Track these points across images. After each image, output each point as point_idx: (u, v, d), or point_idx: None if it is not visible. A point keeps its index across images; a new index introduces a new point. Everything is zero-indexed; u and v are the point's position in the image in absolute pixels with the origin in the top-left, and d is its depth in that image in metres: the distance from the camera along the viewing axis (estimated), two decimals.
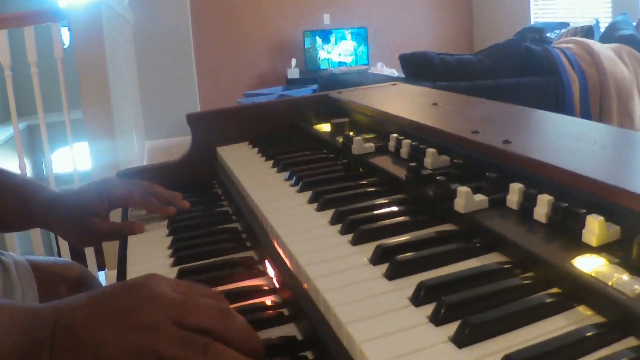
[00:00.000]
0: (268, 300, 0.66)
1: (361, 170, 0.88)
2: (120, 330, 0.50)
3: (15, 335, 0.49)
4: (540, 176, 0.60)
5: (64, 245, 2.65)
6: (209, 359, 0.49)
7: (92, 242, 0.96)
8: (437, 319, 0.45)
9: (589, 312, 0.45)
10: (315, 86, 5.51)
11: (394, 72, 5.52)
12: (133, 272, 0.77)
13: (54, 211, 0.91)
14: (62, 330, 0.50)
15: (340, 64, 6.32)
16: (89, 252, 2.61)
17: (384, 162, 0.84)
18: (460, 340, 0.42)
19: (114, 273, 0.80)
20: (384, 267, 0.55)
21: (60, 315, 0.51)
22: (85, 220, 0.90)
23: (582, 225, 0.51)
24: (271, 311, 0.64)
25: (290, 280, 0.61)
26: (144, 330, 0.50)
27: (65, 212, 0.91)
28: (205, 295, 0.56)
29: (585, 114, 3.44)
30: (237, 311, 0.62)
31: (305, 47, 6.31)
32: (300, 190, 0.83)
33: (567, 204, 0.54)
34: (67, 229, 0.92)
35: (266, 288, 0.69)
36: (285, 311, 0.63)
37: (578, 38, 4.02)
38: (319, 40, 6.34)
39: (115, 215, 0.97)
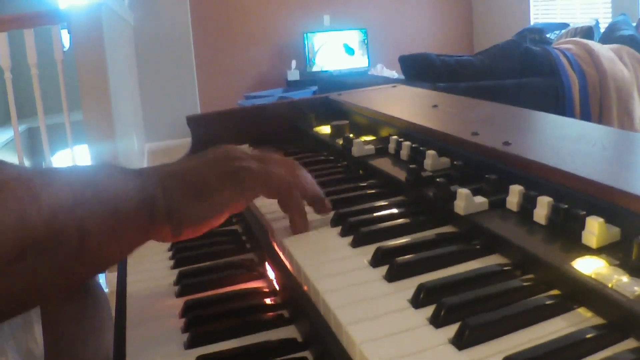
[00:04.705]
0: (268, 302, 0.66)
1: (361, 172, 0.88)
2: (216, 165, 0.63)
3: (137, 195, 0.58)
4: (540, 178, 0.60)
5: None
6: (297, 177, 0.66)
7: None
8: (437, 321, 0.45)
9: (589, 314, 0.44)
10: (315, 88, 5.51)
11: (394, 74, 5.52)
12: (133, 274, 0.77)
13: None
14: (166, 173, 0.61)
15: (340, 65, 6.32)
16: None
17: (384, 164, 0.84)
18: (460, 342, 0.42)
19: (114, 275, 0.80)
20: (384, 269, 0.55)
21: (161, 171, 0.62)
22: None
23: (582, 226, 0.51)
24: (271, 313, 0.64)
25: (290, 282, 0.61)
26: (237, 158, 0.64)
27: None
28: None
29: (585, 115, 3.45)
30: (238, 312, 0.63)
31: (305, 48, 6.32)
32: None
33: (567, 206, 0.54)
34: None
35: (266, 290, 0.69)
36: (285, 313, 0.63)
37: (578, 39, 4.02)
38: (319, 41, 6.35)
39: None
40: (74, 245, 0.51)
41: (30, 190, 0.49)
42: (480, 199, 0.61)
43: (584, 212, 0.51)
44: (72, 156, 3.08)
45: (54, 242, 0.49)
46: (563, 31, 4.92)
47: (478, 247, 0.57)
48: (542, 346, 0.41)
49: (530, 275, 0.51)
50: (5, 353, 0.65)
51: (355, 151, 0.90)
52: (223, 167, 0.63)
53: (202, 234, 0.64)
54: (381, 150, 0.90)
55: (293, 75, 6.23)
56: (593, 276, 0.45)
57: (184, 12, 5.39)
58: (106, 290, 2.45)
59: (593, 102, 3.48)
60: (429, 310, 0.47)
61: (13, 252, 0.47)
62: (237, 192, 0.62)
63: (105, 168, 0.59)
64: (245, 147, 0.68)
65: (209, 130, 1.18)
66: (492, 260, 0.55)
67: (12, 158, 4.32)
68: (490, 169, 0.68)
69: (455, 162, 0.74)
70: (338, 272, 0.56)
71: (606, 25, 4.57)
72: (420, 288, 0.49)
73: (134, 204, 0.57)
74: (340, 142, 0.96)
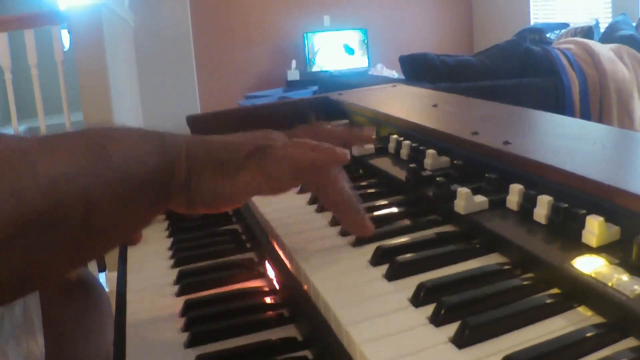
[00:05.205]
0: (268, 301, 0.66)
1: (361, 171, 0.88)
2: (243, 137, 0.59)
3: (154, 158, 0.54)
4: (540, 177, 0.60)
5: None
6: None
7: None
8: (437, 320, 0.45)
9: (588, 313, 0.45)
10: (315, 88, 5.51)
11: (394, 74, 5.52)
12: (133, 273, 0.77)
13: None
14: (192, 139, 0.57)
15: (340, 65, 6.32)
16: None
17: (384, 163, 0.84)
18: (460, 341, 0.42)
19: (114, 275, 0.80)
20: (384, 268, 0.55)
21: (188, 137, 0.58)
22: None
23: (582, 225, 0.51)
24: (271, 312, 0.64)
25: (290, 282, 0.61)
26: (264, 137, 0.60)
27: None
28: None
29: (585, 115, 3.44)
30: (237, 312, 0.63)
31: (306, 48, 6.32)
32: (300, 192, 0.83)
33: (566, 205, 0.54)
34: None
35: (266, 289, 0.69)
36: (285, 312, 0.63)
37: (578, 38, 4.02)
38: (319, 41, 6.35)
39: None
40: (79, 218, 0.46)
41: (27, 160, 0.45)
42: (480, 198, 0.61)
43: (584, 211, 0.51)
44: None
45: (56, 215, 0.45)
46: (563, 31, 4.92)
47: (478, 246, 0.57)
48: (542, 345, 0.41)
49: (530, 274, 0.51)
50: (6, 353, 0.65)
51: (355, 150, 0.90)
52: (253, 146, 0.58)
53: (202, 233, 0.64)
54: (381, 149, 0.90)
55: (293, 75, 6.23)
56: (593, 275, 0.45)
57: (184, 12, 5.38)
58: (106, 289, 2.45)
59: (593, 102, 3.48)
60: (429, 309, 0.47)
61: (9, 228, 0.42)
62: (260, 173, 0.57)
63: (118, 130, 0.54)
64: (281, 134, 0.63)
65: (208, 130, 1.18)
66: (492, 260, 0.55)
67: None
68: (490, 168, 0.68)
69: (455, 162, 0.74)
70: (338, 271, 0.56)
71: (606, 25, 4.57)
72: (421, 287, 0.49)
73: (150, 169, 0.52)
74: None
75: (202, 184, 0.56)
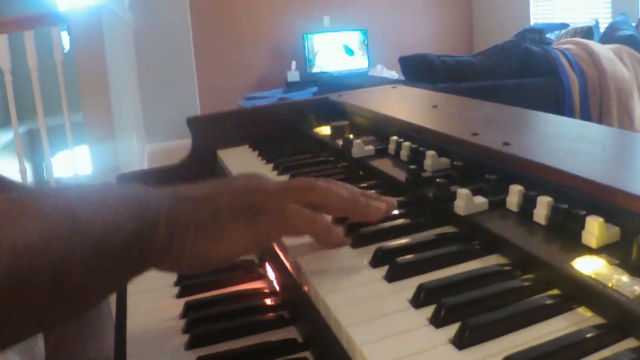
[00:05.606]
0: (268, 303, 0.66)
1: (361, 172, 0.88)
2: (232, 196, 0.56)
3: (132, 225, 0.50)
4: (540, 178, 0.60)
5: None
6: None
7: None
8: (437, 321, 0.45)
9: (588, 314, 0.44)
10: (315, 89, 5.52)
11: (394, 74, 5.53)
12: None
13: None
14: (176, 198, 0.55)
15: (340, 66, 6.32)
16: None
17: (384, 164, 0.84)
18: (461, 342, 0.42)
19: None
20: (384, 270, 0.55)
21: (172, 195, 0.56)
22: None
23: (582, 226, 0.51)
24: (271, 314, 0.64)
25: (291, 283, 0.61)
26: (255, 192, 0.57)
27: None
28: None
29: (585, 115, 3.45)
30: (238, 313, 0.63)
31: (305, 49, 6.32)
32: None
33: (566, 206, 0.54)
34: None
35: (266, 291, 0.69)
36: (285, 314, 0.63)
37: (578, 39, 4.02)
38: (319, 42, 6.35)
39: None
40: (46, 287, 0.43)
41: None
42: (480, 199, 0.61)
43: (584, 212, 0.51)
44: (73, 157, 3.08)
45: (21, 285, 0.42)
46: (563, 31, 4.93)
47: (478, 247, 0.57)
48: (542, 346, 0.41)
49: (530, 275, 0.51)
50: (6, 354, 0.65)
51: (355, 152, 0.90)
52: (239, 201, 0.56)
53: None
54: (381, 150, 0.90)
55: (293, 76, 6.24)
56: (593, 276, 0.45)
57: (184, 14, 5.39)
58: None
59: (593, 102, 3.48)
60: (429, 310, 0.47)
61: None
62: (249, 233, 0.55)
63: (92, 193, 0.51)
64: (266, 175, 0.60)
65: (209, 131, 1.18)
66: (492, 260, 0.55)
67: (12, 160, 4.33)
68: (490, 169, 0.68)
69: (455, 163, 0.74)
70: (338, 273, 0.56)
71: (606, 25, 4.57)
72: (421, 288, 0.49)
73: (125, 237, 0.49)
74: (340, 142, 0.96)
75: (185, 248, 0.53)
